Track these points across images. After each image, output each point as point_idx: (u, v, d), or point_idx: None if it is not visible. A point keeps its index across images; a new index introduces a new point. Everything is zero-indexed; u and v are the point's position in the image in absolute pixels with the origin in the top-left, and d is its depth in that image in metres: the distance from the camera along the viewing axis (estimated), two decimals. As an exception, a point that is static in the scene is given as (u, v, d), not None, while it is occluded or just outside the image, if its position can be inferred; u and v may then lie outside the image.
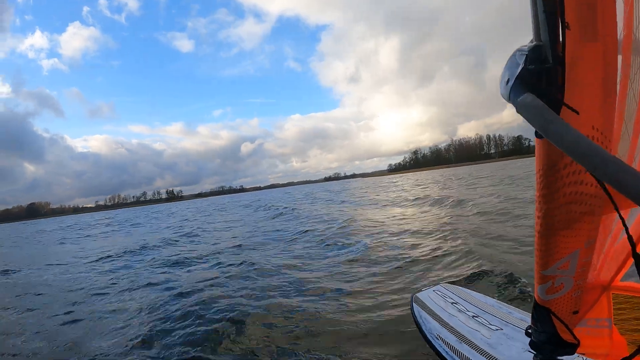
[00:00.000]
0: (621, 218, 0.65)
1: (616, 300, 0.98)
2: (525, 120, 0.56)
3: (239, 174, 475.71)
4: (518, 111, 0.58)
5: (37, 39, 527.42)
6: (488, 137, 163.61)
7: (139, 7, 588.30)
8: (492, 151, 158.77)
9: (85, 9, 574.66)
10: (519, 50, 0.61)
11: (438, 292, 2.18)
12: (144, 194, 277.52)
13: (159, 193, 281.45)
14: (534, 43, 0.59)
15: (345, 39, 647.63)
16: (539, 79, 0.58)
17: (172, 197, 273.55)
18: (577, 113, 0.59)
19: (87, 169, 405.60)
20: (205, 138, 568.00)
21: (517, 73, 0.59)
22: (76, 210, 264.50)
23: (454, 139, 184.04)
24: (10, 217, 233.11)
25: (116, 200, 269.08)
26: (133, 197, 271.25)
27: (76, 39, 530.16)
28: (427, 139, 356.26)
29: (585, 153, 0.46)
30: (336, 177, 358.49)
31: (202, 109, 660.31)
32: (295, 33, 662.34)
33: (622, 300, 0.98)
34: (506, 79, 0.61)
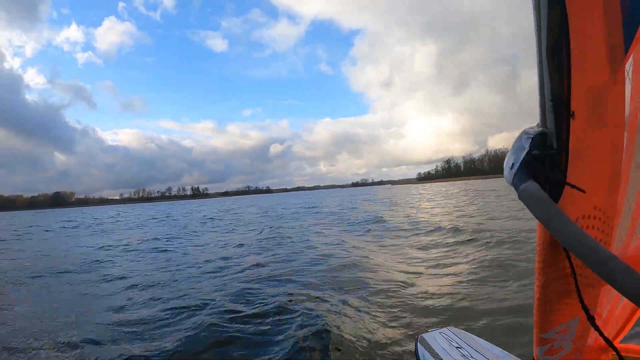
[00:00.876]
0: (580, 300, 0.68)
1: None
2: (527, 209, 0.58)
3: (266, 175, 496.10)
4: (520, 199, 0.60)
5: (73, 32, 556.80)
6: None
7: (174, 5, 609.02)
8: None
9: (121, 4, 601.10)
10: (525, 132, 0.64)
11: (444, 335, 2.17)
12: (169, 189, 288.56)
13: (184, 189, 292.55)
14: (540, 129, 0.62)
15: (379, 43, 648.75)
16: (543, 164, 0.61)
17: (197, 194, 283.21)
18: (584, 192, 0.60)
19: (117, 162, 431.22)
20: (235, 137, 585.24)
21: (522, 158, 0.61)
22: (102, 201, 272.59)
23: (489, 149, 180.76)
24: (36, 205, 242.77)
25: (141, 194, 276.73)
26: (158, 192, 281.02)
27: (111, 33, 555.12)
28: (457, 148, 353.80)
29: (584, 252, 0.49)
30: (364, 183, 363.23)
31: (233, 108, 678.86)
32: (328, 36, 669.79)
33: None
34: (511, 164, 0.64)
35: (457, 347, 2.00)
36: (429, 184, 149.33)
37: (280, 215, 20.50)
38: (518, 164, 0.62)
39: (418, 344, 2.04)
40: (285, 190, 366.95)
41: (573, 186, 0.59)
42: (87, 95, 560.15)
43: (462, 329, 2.20)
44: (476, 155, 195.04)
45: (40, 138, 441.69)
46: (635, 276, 0.45)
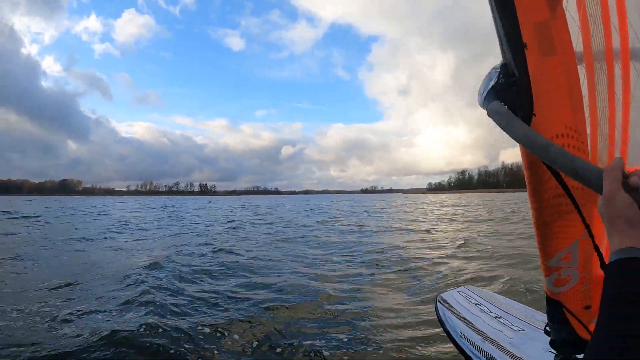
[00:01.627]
0: (581, 216, 0.77)
1: None
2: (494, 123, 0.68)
3: (275, 176, 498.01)
4: (488, 115, 0.72)
5: (92, 22, 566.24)
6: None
7: (194, 1, 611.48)
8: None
9: None
10: (494, 68, 0.77)
11: (462, 293, 2.21)
12: (177, 184, 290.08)
13: (191, 185, 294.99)
14: (502, 61, 0.75)
15: (397, 51, 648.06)
16: (508, 90, 0.74)
17: (205, 191, 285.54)
18: (535, 115, 0.72)
19: (130, 154, 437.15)
20: (247, 137, 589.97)
21: (490, 86, 0.75)
22: (108, 192, 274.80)
23: (505, 163, 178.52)
24: (42, 191, 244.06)
25: (148, 188, 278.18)
26: (165, 186, 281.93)
27: (130, 25, 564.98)
28: (468, 160, 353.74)
29: (538, 146, 0.58)
30: (373, 190, 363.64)
31: (247, 108, 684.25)
32: (346, 41, 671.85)
33: None
34: (482, 91, 0.78)
35: (475, 304, 2.05)
36: (444, 195, 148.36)
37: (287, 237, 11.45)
38: (487, 90, 0.76)
39: (438, 303, 2.07)
40: (294, 192, 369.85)
41: (535, 114, 0.73)
42: (103, 86, 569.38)
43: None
44: (491, 168, 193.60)
45: (54, 125, 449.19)
46: (586, 163, 0.54)
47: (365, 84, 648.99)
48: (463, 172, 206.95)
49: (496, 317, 1.89)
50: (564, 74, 0.73)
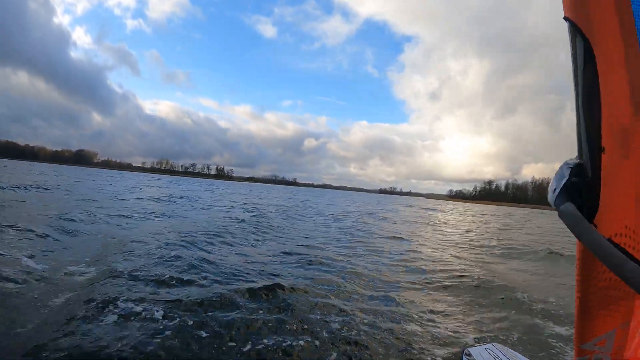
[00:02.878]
0: None
1: None
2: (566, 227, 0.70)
3: (295, 167, 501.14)
4: (560, 217, 0.72)
5: None
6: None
7: None
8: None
9: None
10: (566, 163, 0.78)
11: (489, 351, 2.16)
12: (193, 165, 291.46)
13: (208, 167, 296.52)
14: (577, 161, 0.77)
15: (430, 53, 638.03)
16: (579, 190, 0.74)
17: (222, 175, 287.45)
18: (608, 223, 0.73)
19: (152, 131, 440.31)
20: (271, 125, 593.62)
21: (562, 184, 0.74)
22: (122, 166, 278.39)
23: (536, 177, 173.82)
24: (58, 159, 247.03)
25: (164, 166, 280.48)
26: (182, 166, 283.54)
27: (165, 3, 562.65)
28: (490, 171, 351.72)
29: (610, 260, 0.60)
30: (392, 192, 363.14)
31: (273, 97, 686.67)
32: (379, 39, 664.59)
33: None
34: (554, 188, 0.76)
35: None
36: (468, 203, 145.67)
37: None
38: (559, 189, 0.76)
39: (464, 357, 2.07)
40: (312, 185, 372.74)
41: (599, 215, 0.74)
42: (132, 61, 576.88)
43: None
44: (519, 181, 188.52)
45: (81, 96, 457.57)
46: None
47: (394, 84, 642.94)
48: (490, 182, 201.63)
49: None
50: (634, 177, 0.73)
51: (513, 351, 2.25)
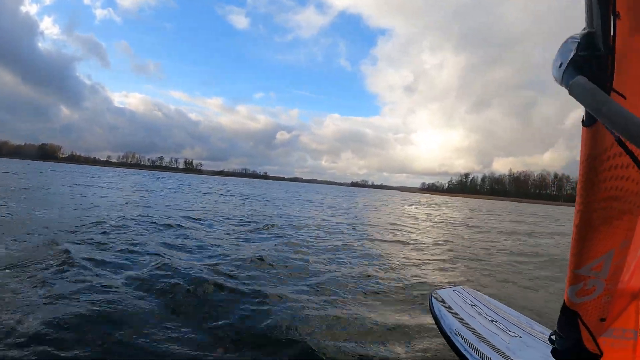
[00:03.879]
0: None
1: None
2: (577, 101, 0.62)
3: (266, 161, 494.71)
4: (571, 93, 0.63)
5: None
6: (556, 175, 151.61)
7: None
8: (555, 192, 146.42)
9: None
10: (571, 37, 0.67)
11: (458, 293, 2.23)
12: (161, 159, 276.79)
13: (176, 161, 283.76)
14: (587, 30, 0.65)
15: (405, 47, 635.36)
16: (590, 64, 0.64)
17: (190, 168, 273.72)
18: (624, 97, 0.65)
19: (122, 125, 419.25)
20: (243, 118, 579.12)
21: (570, 58, 0.65)
22: (88, 161, 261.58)
23: (513, 170, 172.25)
24: (20, 154, 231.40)
25: (130, 160, 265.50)
26: (149, 160, 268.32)
27: None
28: (461, 165, 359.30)
29: (636, 132, 0.50)
30: (363, 185, 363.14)
31: (245, 89, 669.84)
32: (353, 32, 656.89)
33: None
34: (559, 63, 0.67)
35: (471, 305, 2.09)
36: (445, 196, 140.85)
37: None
38: (566, 63, 0.66)
39: (432, 299, 2.12)
40: (282, 179, 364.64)
41: (618, 93, 0.65)
42: (101, 52, 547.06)
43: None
44: (497, 174, 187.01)
45: (49, 88, 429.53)
46: None
47: (367, 77, 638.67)
48: (466, 175, 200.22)
49: (492, 321, 1.91)
50: None
51: (480, 293, 2.35)
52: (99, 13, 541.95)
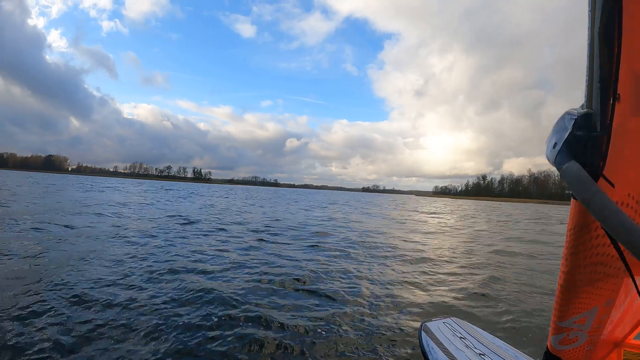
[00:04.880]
0: (635, 286, 0.76)
1: (626, 357, 1.05)
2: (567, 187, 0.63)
3: (276, 168, 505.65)
4: (562, 178, 0.63)
5: None
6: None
7: None
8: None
9: None
10: (568, 113, 0.66)
11: (447, 325, 2.24)
12: (169, 168, 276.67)
13: (184, 170, 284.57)
14: (585, 110, 0.64)
15: (413, 50, 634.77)
16: (585, 145, 0.63)
17: (199, 177, 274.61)
18: (613, 186, 0.64)
19: (131, 136, 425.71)
20: (251, 127, 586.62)
21: (565, 138, 0.64)
22: (94, 172, 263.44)
23: (532, 170, 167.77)
24: (27, 166, 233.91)
25: (138, 170, 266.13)
26: (156, 169, 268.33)
27: (143, 2, 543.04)
28: (471, 167, 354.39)
29: (617, 227, 0.52)
30: (375, 190, 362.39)
31: (252, 97, 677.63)
32: (359, 36, 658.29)
33: (632, 358, 1.05)
34: (553, 143, 0.66)
35: (460, 338, 2.11)
36: (465, 199, 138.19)
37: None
38: (561, 144, 0.65)
39: (422, 332, 2.12)
40: (293, 186, 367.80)
41: (608, 180, 0.64)
42: (110, 64, 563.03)
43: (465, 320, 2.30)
44: (516, 176, 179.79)
45: (58, 100, 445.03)
46: None
47: (374, 81, 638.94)
48: (484, 177, 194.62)
49: (480, 354, 1.91)
50: None
51: (471, 324, 2.29)
52: (106, 25, 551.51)
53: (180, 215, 14.01)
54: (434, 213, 29.63)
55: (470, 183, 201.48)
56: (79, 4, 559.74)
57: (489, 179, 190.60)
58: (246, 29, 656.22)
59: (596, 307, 0.80)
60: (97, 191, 28.80)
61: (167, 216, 13.67)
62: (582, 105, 0.65)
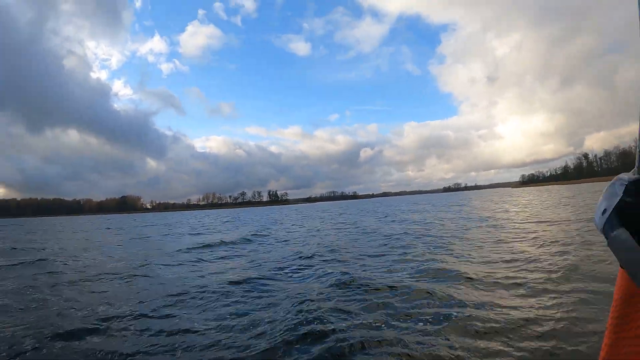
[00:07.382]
0: None
1: None
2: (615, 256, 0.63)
3: (352, 180, 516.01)
4: (609, 246, 0.64)
5: (157, 42, 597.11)
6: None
7: (254, 8, 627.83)
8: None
9: (201, 12, 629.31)
10: (619, 179, 0.67)
11: None
12: (243, 194, 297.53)
13: (259, 194, 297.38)
14: (636, 176, 0.65)
15: (472, 37, 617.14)
16: (635, 213, 0.63)
17: (275, 200, 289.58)
18: None
19: (206, 168, 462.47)
20: (322, 142, 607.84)
21: (615, 204, 0.65)
22: (167, 207, 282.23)
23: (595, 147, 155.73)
24: (104, 209, 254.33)
25: (211, 200, 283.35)
26: (230, 196, 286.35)
27: (196, 37, 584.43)
28: (550, 150, 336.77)
29: None
30: (457, 188, 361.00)
31: (319, 113, 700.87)
32: (414, 33, 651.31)
33: None
34: (602, 209, 0.68)
35: None
36: (557, 185, 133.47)
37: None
38: (610, 211, 0.67)
39: None
40: (371, 196, 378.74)
41: None
42: (175, 102, 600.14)
43: None
44: (624, 147, 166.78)
45: (131, 144, 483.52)
46: None
47: (438, 77, 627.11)
48: (586, 156, 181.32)
49: None
50: None
51: None
52: (165, 67, 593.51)
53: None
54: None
55: (571, 164, 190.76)
56: (136, 52, 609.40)
57: (591, 156, 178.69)
58: (300, 47, 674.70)
59: None
60: (182, 234, 23.90)
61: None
62: (634, 171, 0.67)
